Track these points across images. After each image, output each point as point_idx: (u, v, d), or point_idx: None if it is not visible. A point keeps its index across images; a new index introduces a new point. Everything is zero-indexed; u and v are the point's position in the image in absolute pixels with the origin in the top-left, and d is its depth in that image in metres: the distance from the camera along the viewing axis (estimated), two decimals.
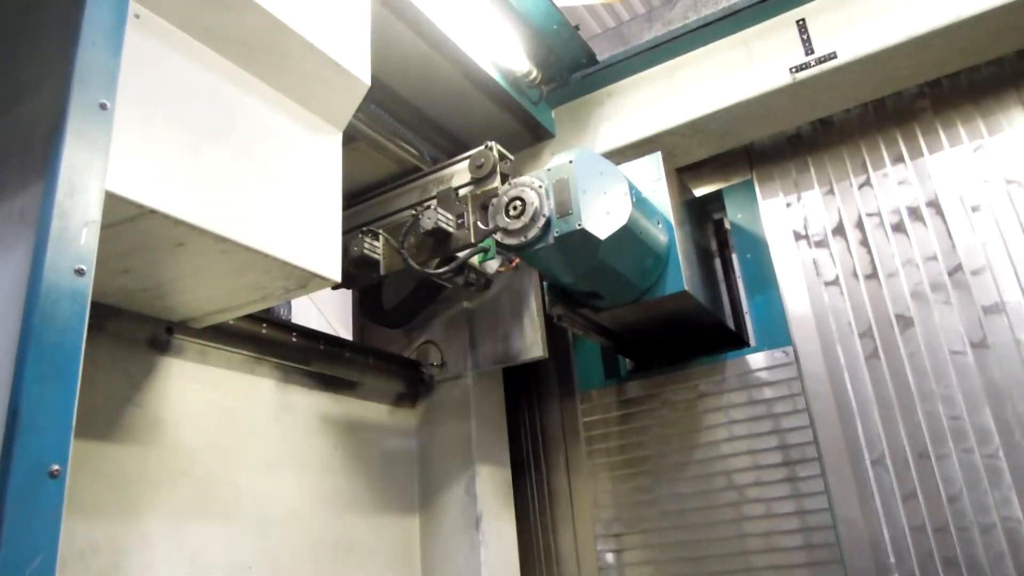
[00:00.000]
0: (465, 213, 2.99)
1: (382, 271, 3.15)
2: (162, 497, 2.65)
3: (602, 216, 2.86)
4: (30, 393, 1.45)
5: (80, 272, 1.57)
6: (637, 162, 3.33)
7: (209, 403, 2.93)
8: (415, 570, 3.61)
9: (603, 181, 2.93)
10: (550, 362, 4.04)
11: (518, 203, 2.94)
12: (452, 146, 3.88)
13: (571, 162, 2.92)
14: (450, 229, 2.97)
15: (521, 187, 2.95)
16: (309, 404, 3.36)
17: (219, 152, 2.23)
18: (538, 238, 2.88)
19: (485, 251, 3.05)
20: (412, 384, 3.87)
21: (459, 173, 3.40)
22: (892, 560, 3.06)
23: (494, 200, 2.93)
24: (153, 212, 2.00)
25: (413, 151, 3.61)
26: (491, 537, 3.55)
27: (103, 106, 1.73)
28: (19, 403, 1.43)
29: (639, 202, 3.03)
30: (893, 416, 3.21)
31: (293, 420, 3.26)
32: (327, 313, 5.75)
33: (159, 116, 2.07)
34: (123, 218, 2.02)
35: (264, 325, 3.12)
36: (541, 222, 2.87)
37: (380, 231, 3.20)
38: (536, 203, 2.89)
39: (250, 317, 3.06)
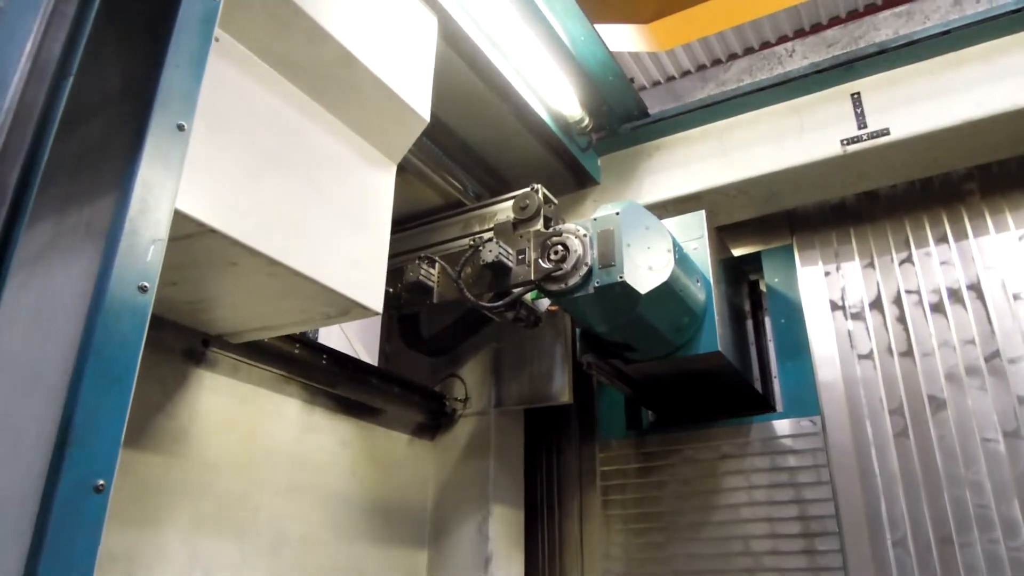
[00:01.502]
0: (527, 249, 3.00)
1: (435, 299, 3.17)
2: (181, 509, 2.65)
3: (644, 271, 2.87)
4: (85, 405, 1.46)
5: (144, 289, 1.60)
6: (681, 218, 3.34)
7: (236, 418, 2.94)
8: None
9: (648, 236, 2.95)
10: (573, 408, 4.02)
11: (560, 248, 2.95)
12: (496, 184, 3.92)
13: (618, 214, 2.94)
14: (510, 264, 2.98)
15: (566, 234, 2.97)
16: (332, 428, 3.37)
17: (280, 177, 2.26)
18: (578, 286, 2.90)
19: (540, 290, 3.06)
20: (434, 416, 3.86)
21: (502, 212, 3.43)
22: None
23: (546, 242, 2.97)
24: (213, 232, 2.03)
25: (458, 185, 3.65)
26: None
27: (180, 127, 1.77)
28: (72, 414, 1.45)
29: (681, 259, 3.03)
30: (919, 497, 3.16)
31: (315, 443, 3.26)
32: (351, 335, 5.78)
33: (228, 138, 2.11)
34: (182, 234, 2.05)
35: (297, 345, 3.14)
36: (583, 271, 2.89)
37: (437, 258, 3.22)
38: (579, 251, 2.91)
39: (284, 336, 3.09)
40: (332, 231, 2.41)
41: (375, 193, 2.64)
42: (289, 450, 3.14)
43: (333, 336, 6.07)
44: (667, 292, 2.91)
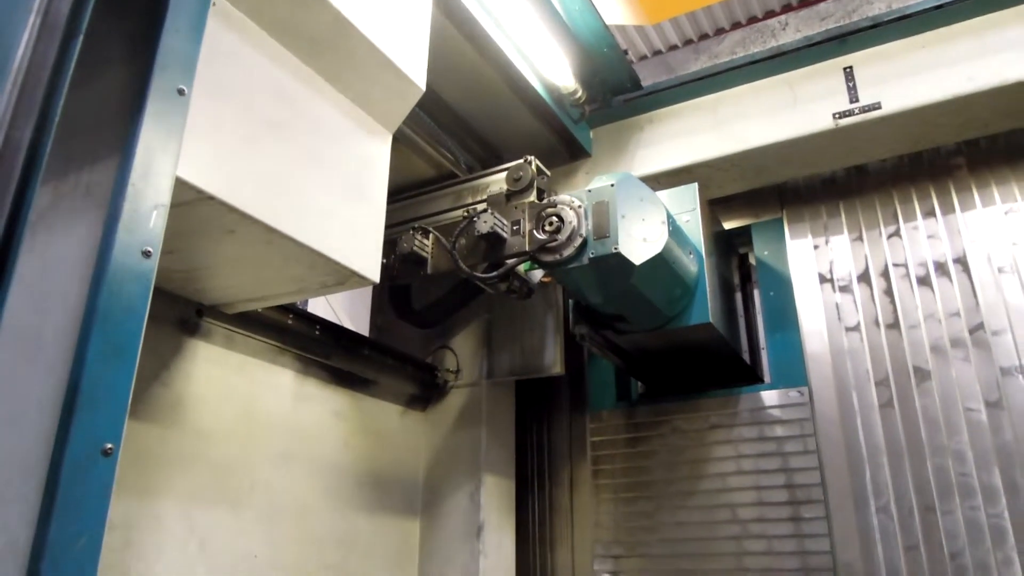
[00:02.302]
0: (522, 220, 3.00)
1: (429, 270, 3.17)
2: (177, 479, 2.66)
3: (639, 242, 2.89)
4: (91, 371, 1.46)
5: (147, 254, 1.59)
6: (674, 190, 3.36)
7: (230, 388, 2.94)
8: (412, 573, 3.61)
9: (642, 208, 2.96)
10: (563, 379, 4.06)
11: (554, 219, 2.96)
12: (488, 156, 3.91)
13: (613, 185, 2.94)
14: (504, 235, 2.98)
15: (561, 205, 2.98)
16: (325, 398, 3.37)
17: (277, 145, 2.25)
18: (573, 257, 2.91)
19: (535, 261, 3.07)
20: (425, 387, 3.88)
21: (495, 183, 3.43)
22: None
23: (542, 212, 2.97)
24: (212, 199, 2.01)
25: (450, 156, 3.64)
26: (491, 548, 3.56)
27: (181, 91, 1.75)
28: (79, 379, 1.44)
29: (674, 231, 3.05)
30: (902, 466, 3.23)
31: (308, 413, 3.27)
32: (337, 307, 5.76)
33: (226, 105, 2.09)
34: (180, 202, 2.03)
35: (290, 316, 3.14)
36: (578, 242, 2.90)
37: (431, 229, 3.21)
38: (574, 222, 2.92)
39: (278, 307, 3.08)
40: (330, 200, 2.40)
41: (372, 162, 2.63)
42: (283, 420, 3.14)
43: (319, 308, 6.05)
44: (661, 264, 2.93)
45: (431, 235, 3.23)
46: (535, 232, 2.98)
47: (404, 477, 3.73)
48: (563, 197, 3.00)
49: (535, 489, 4.00)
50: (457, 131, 3.74)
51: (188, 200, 2.03)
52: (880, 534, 3.19)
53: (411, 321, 3.96)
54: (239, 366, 3.00)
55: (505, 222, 3.03)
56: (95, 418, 1.44)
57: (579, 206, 2.96)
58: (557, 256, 2.92)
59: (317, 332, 3.26)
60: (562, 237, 2.92)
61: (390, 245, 3.22)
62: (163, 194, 1.65)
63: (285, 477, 3.08)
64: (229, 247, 2.30)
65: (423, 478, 3.80)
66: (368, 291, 4.56)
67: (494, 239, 3.01)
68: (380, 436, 3.63)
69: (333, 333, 3.34)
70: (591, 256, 2.86)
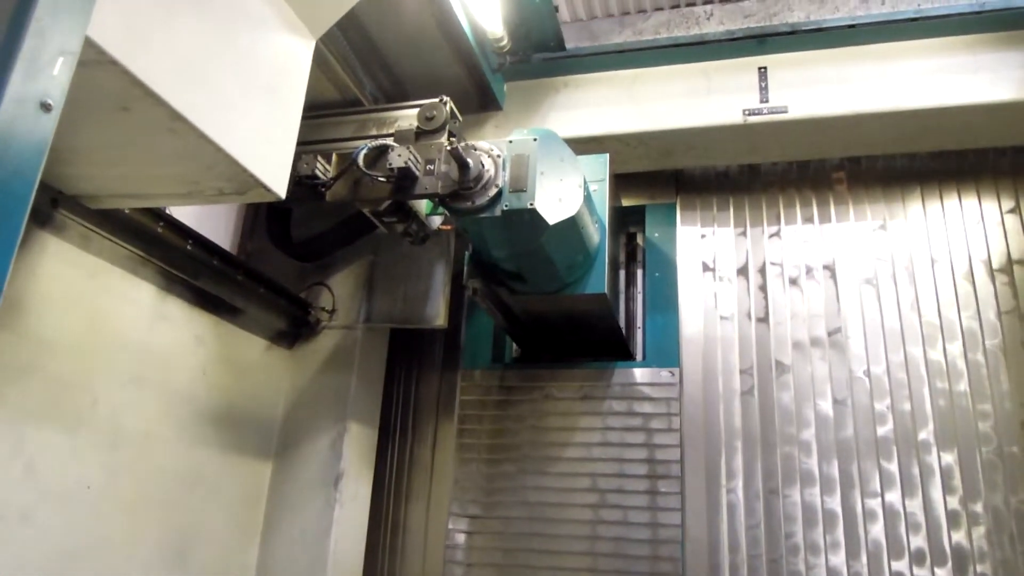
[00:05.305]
0: (437, 160, 2.82)
1: (328, 197, 2.91)
2: (7, 389, 2.28)
3: (554, 201, 2.82)
4: None
5: (46, 107, 1.31)
6: (586, 158, 3.32)
7: (80, 295, 2.57)
8: (257, 517, 3.38)
9: (562, 167, 2.90)
10: (437, 334, 3.95)
11: (471, 165, 2.83)
12: (393, 90, 3.68)
13: (535, 140, 2.86)
14: (417, 173, 2.80)
15: (480, 151, 2.85)
16: (187, 320, 3.05)
17: (196, 22, 1.95)
18: (485, 207, 2.79)
19: (437, 204, 2.91)
20: (295, 324, 3.63)
21: (404, 119, 3.22)
22: None
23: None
24: (114, 64, 1.71)
25: (359, 82, 3.38)
26: (347, 497, 3.41)
27: None
28: None
29: (586, 198, 3.02)
30: (755, 451, 3.44)
31: (167, 334, 2.94)
32: (192, 224, 5.24)
33: None
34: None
35: (160, 223, 2.79)
36: (492, 192, 2.78)
37: (335, 154, 2.95)
38: (491, 171, 2.80)
39: (148, 211, 2.73)
40: (245, 96, 2.13)
41: (292, 65, 2.37)
42: (137, 338, 2.80)
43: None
44: (571, 227, 2.89)
45: (334, 159, 2.98)
46: (449, 174, 2.83)
47: (261, 416, 3.47)
48: (483, 144, 2.87)
49: (396, 442, 3.87)
50: (367, 58, 3.48)
51: (84, 60, 1.70)
52: (727, 512, 3.39)
53: (288, 252, 3.68)
54: (93, 271, 2.63)
55: (420, 159, 2.85)
56: None
57: (498, 155, 2.84)
58: (469, 203, 2.80)
59: (188, 246, 2.93)
60: (477, 185, 2.79)
61: None
62: (73, 39, 1.37)
63: (132, 401, 2.75)
64: (116, 129, 1.98)
65: (281, 419, 3.56)
66: (233, 211, 4.13)
67: (405, 175, 2.82)
68: (241, 369, 3.34)
69: (207, 250, 3.02)
70: (504, 208, 2.76)
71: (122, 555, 2.66)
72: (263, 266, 3.82)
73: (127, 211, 2.62)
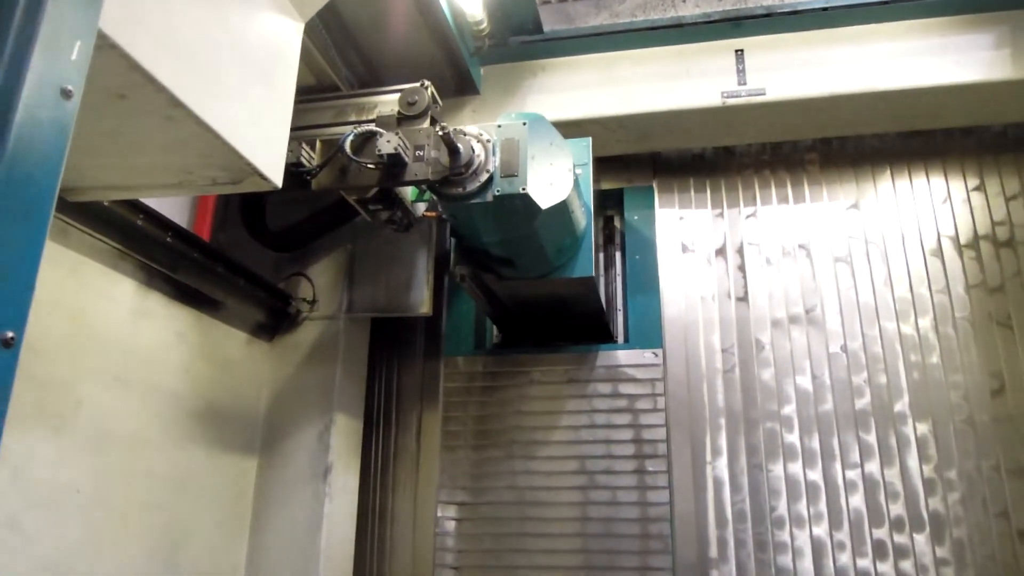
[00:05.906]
0: (426, 146, 2.77)
1: (314, 185, 2.83)
2: None
3: (546, 186, 2.81)
4: None
5: (67, 94, 1.24)
6: (570, 142, 3.30)
7: (60, 292, 2.46)
8: (245, 513, 3.31)
9: (552, 152, 2.89)
10: (419, 322, 3.91)
11: (462, 151, 2.79)
12: (368, 75, 3.60)
13: (525, 124, 2.83)
14: (407, 159, 2.74)
15: (469, 136, 2.81)
16: (168, 316, 2.95)
17: (190, 7, 1.87)
18: (476, 192, 2.76)
19: (423, 191, 2.86)
20: (274, 316, 3.54)
21: (384, 104, 3.16)
22: (714, 555, 3.36)
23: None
24: (114, 47, 1.62)
25: (337, 67, 3.30)
26: (337, 490, 3.36)
27: None
28: None
29: (575, 182, 3.02)
30: (738, 428, 3.51)
31: (149, 331, 2.84)
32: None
33: None
34: None
35: (141, 215, 2.68)
36: (483, 177, 2.76)
37: (320, 140, 2.88)
38: (482, 157, 2.77)
39: (127, 203, 2.62)
40: (241, 82, 2.06)
41: (283, 49, 2.30)
42: (120, 336, 2.70)
43: None
44: (562, 211, 2.89)
45: (318, 145, 2.91)
46: (439, 160, 2.79)
47: (244, 412, 3.38)
48: (471, 129, 2.84)
49: (380, 432, 3.83)
50: (342, 43, 3.40)
51: None
52: (713, 487, 3.46)
53: (264, 242, 3.58)
54: (72, 267, 2.52)
55: (409, 145, 2.80)
56: None
57: (488, 140, 2.81)
58: (460, 189, 2.76)
59: (168, 239, 2.82)
60: (468, 171, 2.76)
61: None
62: (90, 22, 1.29)
63: (117, 402, 2.65)
64: (110, 117, 1.89)
65: (264, 414, 3.47)
66: (187, 203, 3.95)
67: (394, 161, 2.77)
68: (223, 365, 3.25)
69: (187, 242, 2.92)
70: (496, 193, 2.74)
71: (112, 560, 2.57)
72: (237, 257, 3.72)
73: (106, 203, 2.52)
